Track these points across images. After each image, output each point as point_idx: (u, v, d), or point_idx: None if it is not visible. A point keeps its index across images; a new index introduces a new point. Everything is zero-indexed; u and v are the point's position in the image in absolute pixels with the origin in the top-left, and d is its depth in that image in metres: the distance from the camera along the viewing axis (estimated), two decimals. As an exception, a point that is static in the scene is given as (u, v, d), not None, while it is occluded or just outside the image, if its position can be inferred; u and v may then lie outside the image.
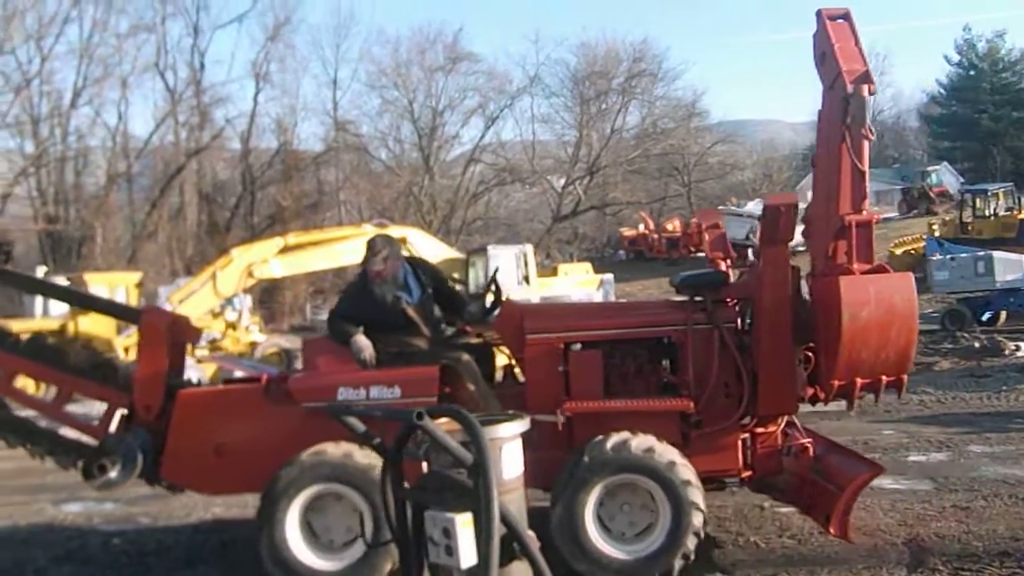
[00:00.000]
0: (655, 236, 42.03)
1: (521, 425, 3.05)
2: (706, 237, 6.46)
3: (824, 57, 5.70)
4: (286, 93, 49.34)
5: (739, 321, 6.01)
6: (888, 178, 56.91)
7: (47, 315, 21.20)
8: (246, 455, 6.01)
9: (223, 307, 18.78)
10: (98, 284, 20.76)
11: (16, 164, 36.35)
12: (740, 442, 5.91)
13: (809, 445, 6.11)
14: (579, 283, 24.04)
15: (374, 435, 3.09)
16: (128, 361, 7.97)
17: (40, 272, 22.70)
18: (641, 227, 43.42)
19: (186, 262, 35.31)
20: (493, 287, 6.60)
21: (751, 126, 62.10)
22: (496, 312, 6.39)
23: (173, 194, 38.33)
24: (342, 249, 18.91)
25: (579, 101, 46.23)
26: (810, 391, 5.81)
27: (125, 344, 16.75)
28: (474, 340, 6.64)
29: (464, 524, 2.75)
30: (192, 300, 15.99)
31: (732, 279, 6.25)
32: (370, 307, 6.16)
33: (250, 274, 16.11)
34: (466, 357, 6.12)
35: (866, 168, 5.40)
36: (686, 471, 5.47)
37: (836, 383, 5.48)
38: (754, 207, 34.41)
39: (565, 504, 5.49)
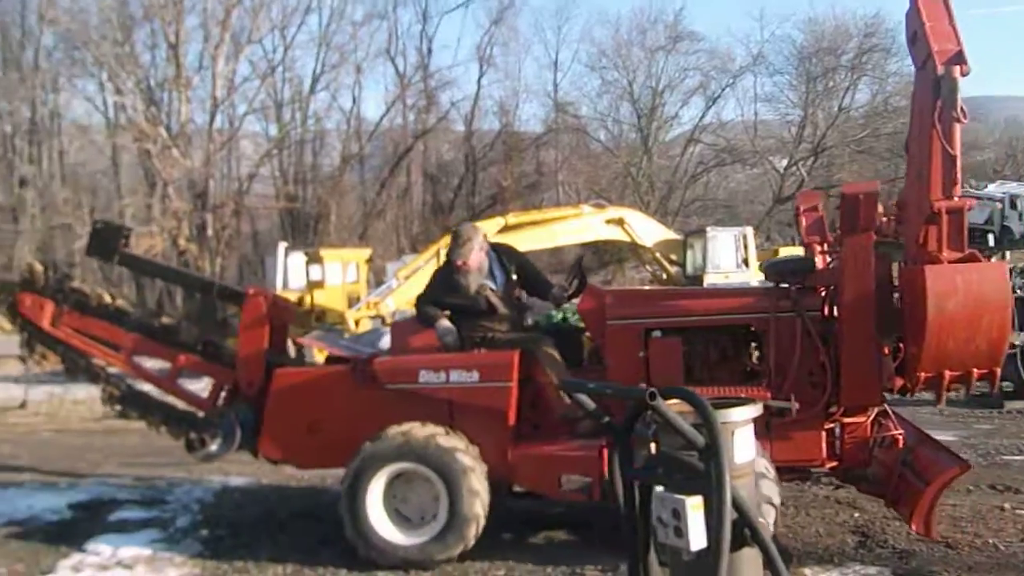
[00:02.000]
0: (885, 219, 39.92)
1: (754, 409, 3.01)
2: (803, 221, 6.22)
3: (915, 37, 5.41)
4: (508, 76, 50.26)
5: (825, 309, 5.82)
6: None
7: (287, 287, 22.71)
8: (336, 433, 6.29)
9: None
10: (332, 260, 22.01)
11: (261, 146, 39.04)
12: (825, 432, 5.76)
13: (900, 436, 5.85)
14: (801, 267, 23.18)
15: (603, 414, 3.13)
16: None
17: (282, 247, 24.28)
18: (869, 210, 41.29)
19: (412, 240, 36.78)
20: (577, 271, 6.60)
21: (993, 103, 57.46)
22: (578, 297, 6.42)
23: (401, 174, 39.95)
24: (560, 229, 19.14)
25: (805, 79, 44.41)
26: (899, 382, 5.60)
27: (356, 317, 17.65)
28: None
29: (694, 507, 2.75)
30: (417, 276, 16.64)
31: (826, 265, 6.11)
32: (454, 295, 6.34)
33: (472, 252, 16.54)
34: (546, 342, 6.19)
35: (957, 152, 5.13)
36: (760, 464, 5.28)
37: (923, 375, 5.31)
38: (995, 189, 31.88)
39: None
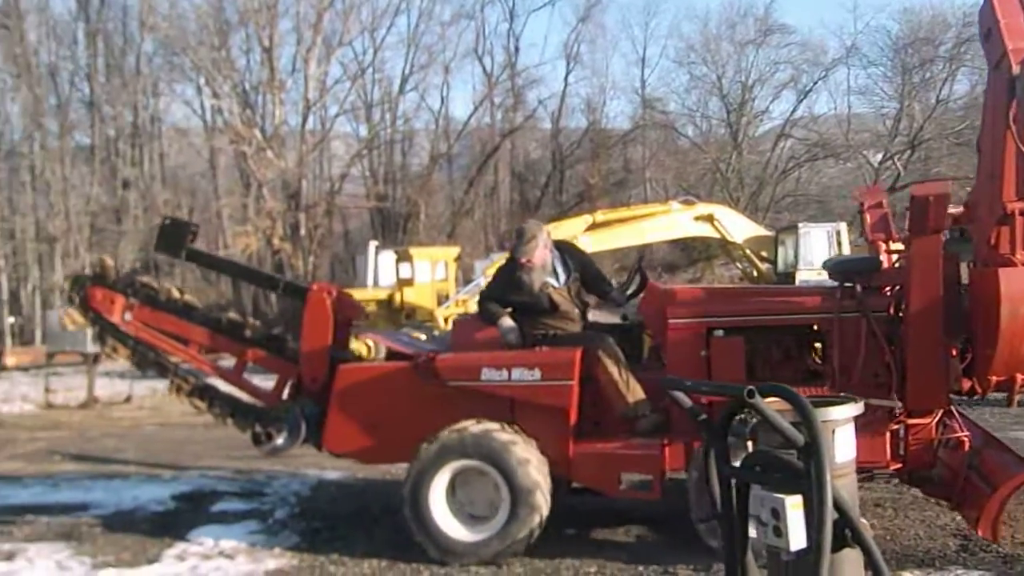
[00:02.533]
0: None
1: (855, 407, 2.96)
2: (867, 218, 6.07)
3: (989, 34, 5.28)
4: (596, 73, 50.32)
5: (891, 309, 5.71)
6: None
7: (377, 285, 23.07)
8: (399, 428, 6.38)
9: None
10: (422, 258, 22.29)
11: (352, 147, 39.72)
12: (889, 433, 5.64)
13: (966, 439, 5.72)
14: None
15: (700, 411, 3.12)
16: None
17: (372, 246, 24.69)
18: (968, 204, 40.30)
19: (499, 238, 36.95)
20: (637, 270, 6.64)
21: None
22: (639, 296, 6.45)
23: (488, 173, 40.19)
24: (648, 226, 19.03)
25: (900, 70, 43.13)
26: (967, 384, 5.48)
27: (445, 315, 17.83)
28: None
29: (794, 506, 2.71)
30: (506, 274, 16.71)
31: (891, 264, 6.00)
32: (517, 292, 6.37)
33: (560, 250, 16.55)
34: (608, 340, 6.17)
35: None
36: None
37: (994, 378, 5.22)
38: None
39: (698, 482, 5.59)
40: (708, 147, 41.44)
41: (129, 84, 36.83)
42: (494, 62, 41.88)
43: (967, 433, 5.82)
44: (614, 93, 69.08)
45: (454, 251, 24.44)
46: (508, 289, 6.48)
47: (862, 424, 5.47)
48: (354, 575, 6.05)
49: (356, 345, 8.09)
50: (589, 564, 5.95)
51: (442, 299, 20.37)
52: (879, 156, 42.67)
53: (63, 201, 33.95)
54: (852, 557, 2.82)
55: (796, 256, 20.65)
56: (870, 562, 2.77)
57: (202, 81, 36.61)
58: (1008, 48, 5.06)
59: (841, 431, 2.91)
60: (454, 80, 62.23)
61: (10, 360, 24.51)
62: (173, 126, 39.26)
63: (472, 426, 6.09)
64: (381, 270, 23.82)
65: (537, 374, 6.06)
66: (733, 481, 3.03)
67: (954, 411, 5.89)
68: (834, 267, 6.16)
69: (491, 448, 5.99)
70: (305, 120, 35.63)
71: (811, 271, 20.11)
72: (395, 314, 20.70)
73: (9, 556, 6.65)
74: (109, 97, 36.93)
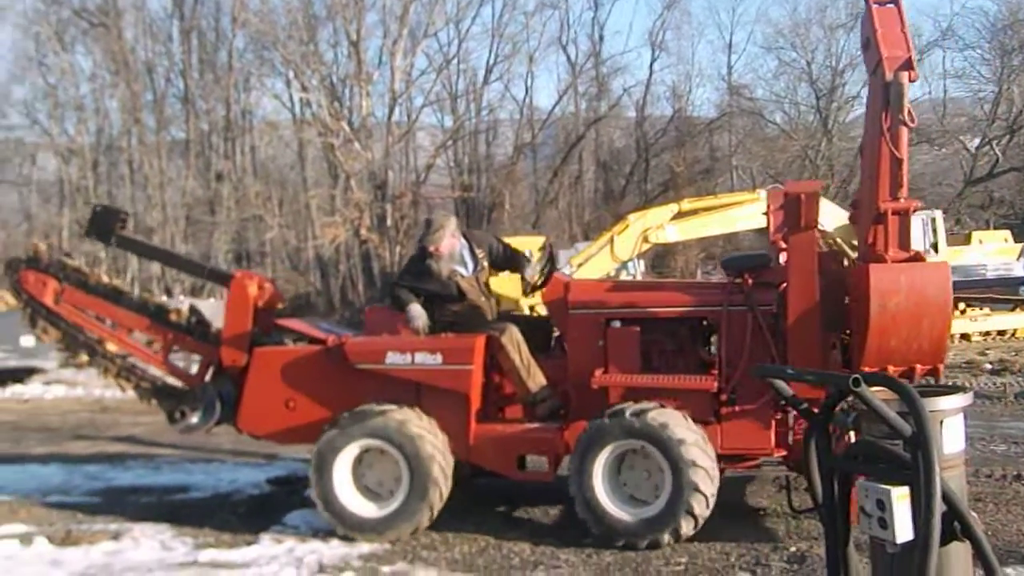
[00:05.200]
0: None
1: (965, 398, 2.89)
2: (771, 219, 6.20)
3: (868, 43, 5.57)
4: (681, 60, 49.73)
5: (778, 304, 5.97)
6: None
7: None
8: (311, 410, 6.68)
9: (619, 271, 19.38)
10: (507, 247, 22.34)
11: (437, 138, 40.00)
12: (775, 422, 5.94)
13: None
14: (996, 252, 21.97)
15: (802, 400, 3.08)
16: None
17: (457, 235, 24.83)
18: (1073, 191, 38.95)
19: (583, 227, 36.84)
20: (546, 259, 6.78)
21: None
22: (546, 284, 6.69)
23: (573, 162, 40.02)
24: (736, 215, 18.70)
25: (999, 53, 41.54)
26: None
27: (531, 303, 17.82)
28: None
29: (900, 498, 2.67)
30: (590, 264, 16.67)
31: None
32: (427, 280, 6.61)
33: (646, 239, 16.49)
34: (512, 328, 6.38)
35: (904, 156, 5.29)
36: (694, 451, 5.65)
37: (866, 370, 5.37)
38: None
39: (579, 461, 5.93)
40: (796, 134, 40.62)
41: (221, 79, 37.70)
42: (578, 51, 41.67)
43: None
44: (700, 80, 68.28)
45: (539, 240, 24.36)
46: (418, 277, 6.71)
47: (748, 413, 5.91)
48: (446, 560, 6.12)
49: None
50: (680, 554, 5.92)
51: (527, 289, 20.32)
52: (976, 141, 41.33)
53: (160, 194, 35.00)
54: (960, 551, 2.77)
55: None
56: (980, 557, 2.71)
57: (291, 75, 37.22)
58: (883, 55, 5.32)
59: (949, 421, 2.84)
60: (538, 69, 61.86)
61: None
62: (263, 119, 40.06)
63: (375, 407, 6.34)
64: (467, 260, 23.92)
65: (439, 359, 6.33)
66: (836, 472, 3.00)
67: None
68: (727, 263, 6.54)
69: (390, 428, 6.25)
70: (391, 112, 35.97)
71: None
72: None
73: (115, 535, 6.91)
74: (203, 92, 37.91)
